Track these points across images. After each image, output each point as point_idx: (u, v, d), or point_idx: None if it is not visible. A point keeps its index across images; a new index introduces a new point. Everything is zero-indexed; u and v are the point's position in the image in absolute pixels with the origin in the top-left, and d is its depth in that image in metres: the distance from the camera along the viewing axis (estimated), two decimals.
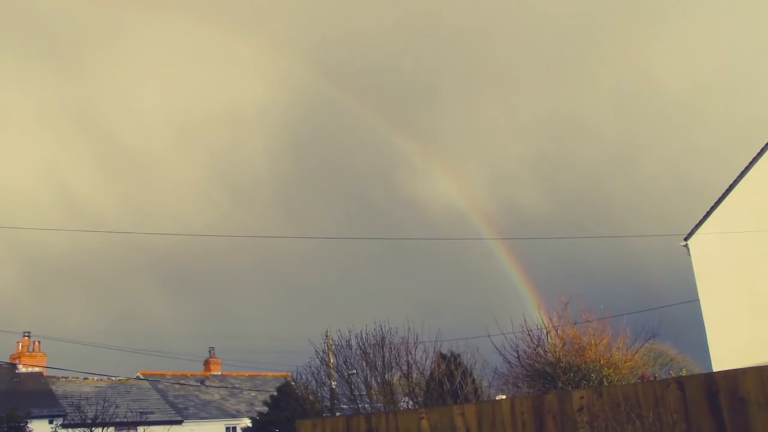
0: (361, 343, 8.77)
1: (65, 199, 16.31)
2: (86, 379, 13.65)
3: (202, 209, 17.05)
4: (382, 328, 8.75)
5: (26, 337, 12.71)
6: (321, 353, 9.74)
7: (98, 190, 16.55)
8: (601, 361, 7.50)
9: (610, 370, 7.46)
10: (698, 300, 10.24)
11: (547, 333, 8.23)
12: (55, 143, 16.84)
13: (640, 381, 6.79)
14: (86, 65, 17.01)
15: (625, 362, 7.49)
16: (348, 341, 8.99)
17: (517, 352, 8.20)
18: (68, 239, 13.83)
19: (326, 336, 10.07)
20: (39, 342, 12.92)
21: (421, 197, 17.24)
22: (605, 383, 7.12)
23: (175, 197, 17.40)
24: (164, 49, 16.91)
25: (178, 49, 16.93)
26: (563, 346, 7.90)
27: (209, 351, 14.68)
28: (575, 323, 8.05)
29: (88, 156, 16.96)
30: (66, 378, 13.42)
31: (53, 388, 12.77)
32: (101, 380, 13.58)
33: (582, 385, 7.24)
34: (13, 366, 12.92)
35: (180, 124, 17.63)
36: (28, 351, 12.93)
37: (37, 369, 12.94)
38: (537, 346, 8.15)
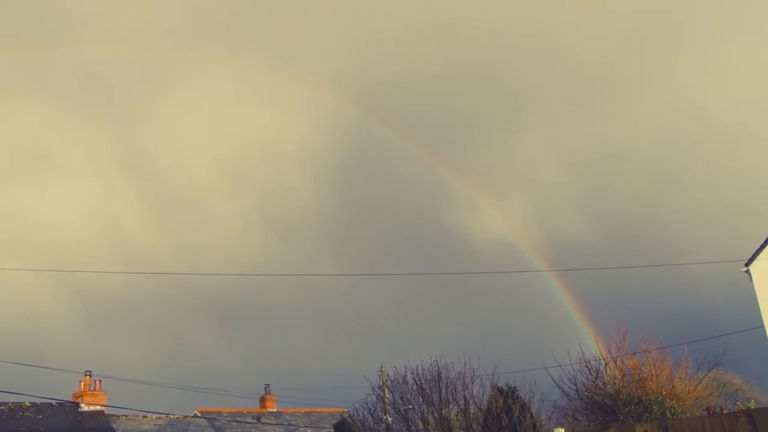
0: (417, 379, 8.79)
1: (119, 243, 16.72)
2: (146, 417, 13.85)
3: (252, 249, 17.30)
4: (437, 363, 8.76)
5: (88, 377, 12.99)
6: (376, 389, 9.77)
7: (151, 233, 16.94)
8: (664, 393, 7.37)
9: (673, 402, 7.32)
10: (763, 326, 10.01)
11: (605, 364, 8.13)
12: (108, 189, 17.34)
13: (706, 413, 6.66)
14: (137, 112, 17.54)
15: (688, 393, 7.35)
16: (404, 377, 9.01)
17: (576, 384, 8.11)
18: (123, 282, 14.15)
19: (381, 371, 10.10)
20: (100, 381, 13.19)
21: (468, 231, 17.24)
22: (668, 415, 7.00)
23: (225, 239, 17.70)
24: (212, 95, 17.35)
25: (225, 93, 17.37)
26: (623, 377, 7.79)
27: (265, 388, 14.81)
28: (634, 353, 7.94)
29: (140, 201, 17.41)
30: (126, 416, 13.64)
31: (114, 426, 13.00)
32: (160, 418, 13.79)
33: (644, 417, 7.12)
34: (76, 405, 13.19)
35: (228, 168, 18.01)
36: (89, 390, 13.19)
37: (98, 407, 13.18)
38: (596, 378, 8.06)
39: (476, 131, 17.56)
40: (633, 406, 7.39)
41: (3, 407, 11.79)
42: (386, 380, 9.68)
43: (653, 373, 7.57)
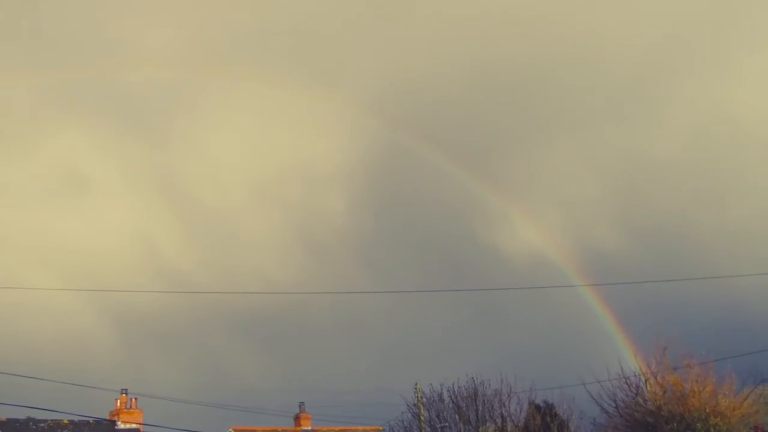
0: (453, 396, 8.71)
1: (154, 262, 16.88)
2: None
3: (288, 269, 17.34)
4: (474, 380, 8.67)
5: (124, 394, 13.08)
6: (412, 406, 9.68)
7: (187, 254, 17.07)
8: (707, 410, 7.18)
9: (718, 419, 7.12)
10: None
11: (645, 380, 7.96)
12: (142, 208, 17.55)
13: None
14: (174, 134, 17.78)
15: (733, 410, 7.14)
16: (440, 394, 8.93)
17: (615, 401, 7.97)
18: (161, 301, 14.25)
19: (416, 389, 10.00)
20: (136, 399, 13.27)
21: (503, 247, 17.09)
22: None
23: (261, 259, 17.76)
24: (248, 116, 17.52)
25: (261, 115, 17.51)
26: (664, 393, 7.62)
27: (299, 406, 14.75)
28: (675, 369, 7.76)
29: (174, 219, 17.59)
30: None
31: None
32: None
33: None
34: (113, 423, 13.28)
35: (261, 185, 18.12)
36: (126, 408, 13.28)
37: (134, 426, 13.26)
38: (636, 394, 7.90)
39: (509, 145, 17.45)
40: (675, 424, 7.22)
41: (42, 424, 11.93)
42: (421, 398, 9.59)
43: (696, 389, 7.39)
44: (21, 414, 9.67)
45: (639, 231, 17.56)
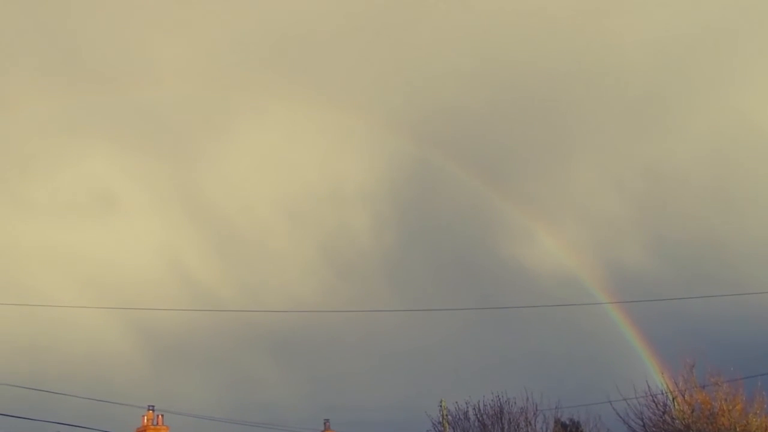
0: (478, 414, 8.69)
1: (183, 282, 17.04)
2: None
3: (312, 286, 17.41)
4: (499, 398, 8.66)
5: (150, 411, 13.19)
6: (437, 424, 9.67)
7: (213, 272, 17.22)
8: (737, 429, 7.10)
9: None
10: None
11: (673, 398, 7.90)
12: (169, 226, 17.73)
13: None
14: (199, 153, 17.98)
15: (765, 429, 7.06)
16: (465, 412, 8.92)
17: (642, 419, 7.91)
18: (187, 318, 14.38)
19: (441, 407, 9.97)
20: (162, 416, 13.38)
21: (526, 263, 17.04)
22: None
23: (285, 276, 17.86)
24: (271, 134, 17.69)
25: (279, 129, 17.68)
26: (692, 412, 7.55)
27: (324, 423, 14.76)
28: (703, 387, 7.69)
29: (203, 240, 17.76)
30: None
31: None
32: None
33: None
34: None
35: (285, 203, 18.25)
36: (153, 425, 13.38)
37: None
38: (663, 412, 7.84)
39: (531, 160, 17.47)
40: None
41: None
42: (446, 415, 9.57)
43: (725, 407, 7.31)
44: (48, 430, 9.80)
45: (665, 247, 17.41)
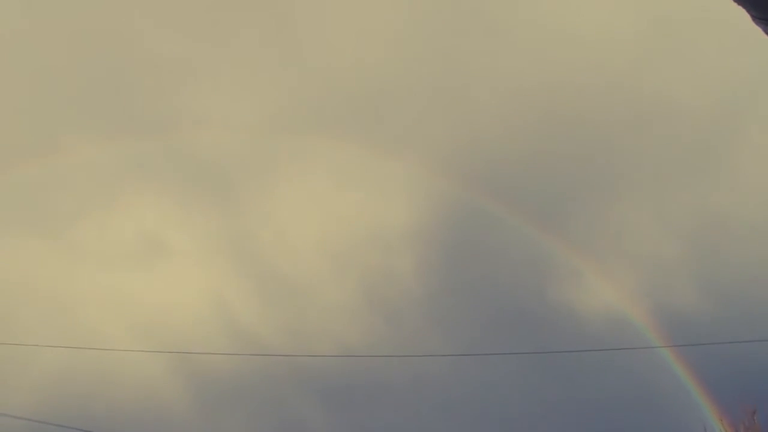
0: None
1: (230, 326, 17.16)
2: None
3: (358, 331, 17.39)
4: None
5: None
6: None
7: (260, 316, 17.33)
8: None
9: None
10: None
11: None
12: (219, 273, 17.91)
13: None
14: (243, 198, 18.26)
15: None
16: None
17: None
18: (233, 362, 14.45)
19: None
20: None
21: (575, 306, 16.79)
22: None
23: (331, 321, 17.89)
24: (315, 178, 17.90)
25: (328, 176, 17.88)
26: None
27: None
28: None
29: (249, 284, 17.90)
30: None
31: None
32: None
33: None
34: None
35: (333, 251, 18.35)
36: None
37: None
38: None
39: (578, 203, 17.34)
40: None
41: None
42: None
43: None
44: None
45: (718, 290, 17.02)
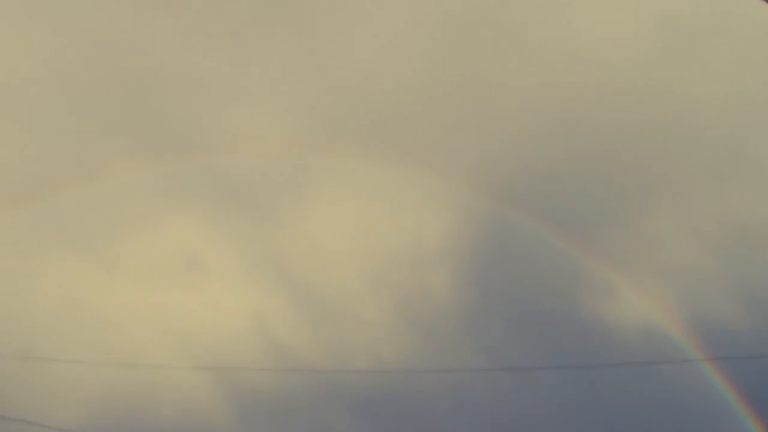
0: None
1: (268, 343, 17.32)
2: None
3: (395, 347, 17.45)
4: None
5: None
6: None
7: (297, 333, 17.46)
8: None
9: None
10: None
11: None
12: (255, 289, 18.08)
13: None
14: (279, 216, 18.45)
15: None
16: None
17: None
18: (271, 376, 14.63)
19: None
20: None
21: (610, 319, 16.72)
22: None
23: (368, 337, 17.97)
24: (350, 196, 18.07)
25: (359, 191, 18.05)
26: None
27: None
28: None
29: (284, 301, 18.05)
30: None
31: None
32: None
33: None
34: None
35: (367, 265, 18.46)
36: None
37: None
38: None
39: (611, 214, 17.33)
40: None
41: None
42: None
43: None
44: None
45: (755, 301, 16.86)
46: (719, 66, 18.00)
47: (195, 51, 17.97)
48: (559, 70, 17.80)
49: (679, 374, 14.86)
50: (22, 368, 14.17)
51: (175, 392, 14.25)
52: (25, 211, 16.76)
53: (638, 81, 17.47)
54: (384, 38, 18.00)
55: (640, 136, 17.42)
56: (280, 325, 17.37)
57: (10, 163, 16.86)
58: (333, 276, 18.16)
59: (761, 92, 17.08)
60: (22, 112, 17.40)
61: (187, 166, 16.84)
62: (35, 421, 13.01)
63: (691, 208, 17.73)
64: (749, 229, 17.29)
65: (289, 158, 17.47)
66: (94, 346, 15.26)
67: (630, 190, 17.62)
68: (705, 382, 14.71)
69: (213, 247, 17.51)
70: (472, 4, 18.08)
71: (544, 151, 17.36)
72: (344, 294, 17.96)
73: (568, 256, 16.56)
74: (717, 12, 17.68)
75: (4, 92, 17.17)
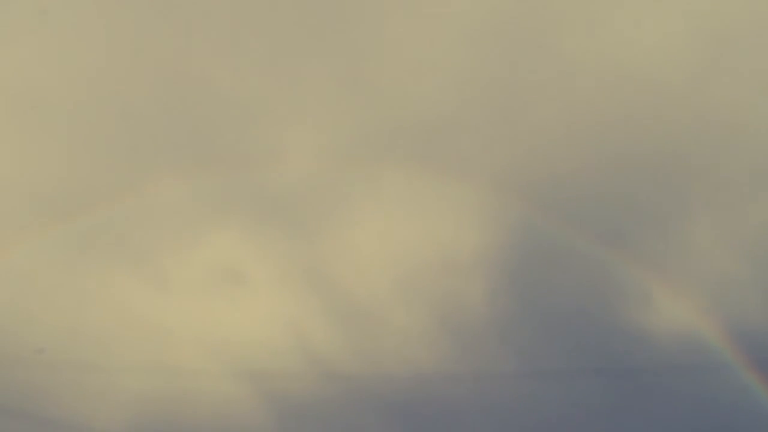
0: None
1: (307, 351, 17.63)
2: None
3: (429, 353, 17.61)
4: None
5: None
6: None
7: (336, 341, 17.74)
8: None
9: None
10: None
11: None
12: (295, 300, 18.41)
13: None
14: (318, 227, 18.79)
15: None
16: None
17: None
18: (310, 385, 14.95)
19: None
20: None
21: (647, 326, 16.65)
22: None
23: (405, 345, 18.16)
24: (386, 205, 18.32)
25: (395, 202, 18.30)
26: None
27: None
28: None
29: (323, 310, 18.34)
30: None
31: None
32: None
33: None
34: None
35: (403, 275, 18.67)
36: None
37: None
38: None
39: (647, 218, 17.26)
40: None
41: None
42: None
43: None
44: None
45: None
46: (758, 69, 17.86)
47: (236, 69, 18.49)
48: (592, 74, 17.84)
49: (716, 379, 14.76)
50: (74, 376, 14.75)
51: (215, 398, 14.69)
52: (74, 226, 17.43)
53: (675, 85, 17.40)
54: (416, 50, 18.27)
55: (676, 140, 17.35)
56: (317, 333, 17.70)
57: (60, 179, 17.57)
58: (369, 284, 18.43)
59: None
60: (71, 128, 18.09)
61: (227, 180, 17.34)
62: (86, 425, 13.56)
63: (729, 211, 17.57)
64: None
65: (325, 170, 17.84)
66: (140, 355, 15.82)
67: (665, 194, 17.53)
68: (743, 387, 14.58)
69: (253, 258, 17.94)
70: (502, 9, 18.24)
71: (577, 157, 17.41)
72: (380, 301, 18.23)
73: (602, 261, 16.57)
74: (760, 13, 17.57)
75: (54, 108, 17.90)
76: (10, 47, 17.41)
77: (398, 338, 17.86)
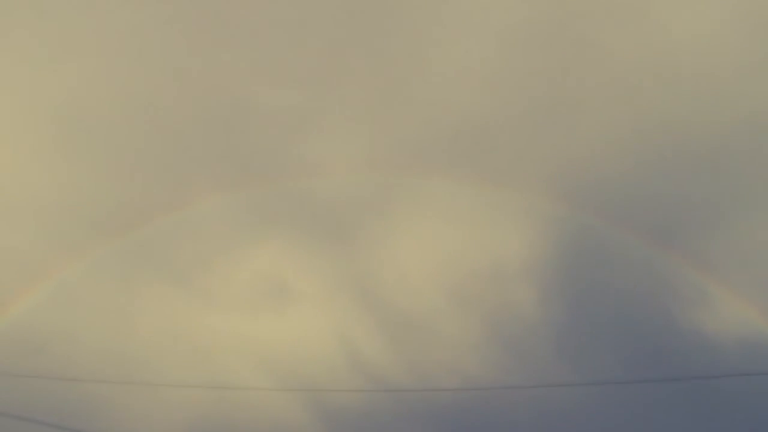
0: None
1: (355, 363, 17.48)
2: None
3: (481, 365, 17.31)
4: None
5: None
6: None
7: (383, 353, 17.56)
8: None
9: None
10: None
11: None
12: (341, 312, 18.30)
13: None
14: (363, 238, 18.68)
15: None
16: None
17: None
18: (359, 398, 14.76)
19: None
20: None
21: (705, 329, 16.14)
22: None
23: (454, 356, 17.89)
24: (431, 214, 18.14)
25: (439, 211, 18.11)
26: None
27: None
28: None
29: (371, 322, 18.19)
30: None
31: None
32: None
33: None
34: None
35: (452, 284, 18.42)
36: None
37: None
38: None
39: (706, 220, 16.78)
40: None
41: None
42: None
43: None
44: None
45: None
46: None
47: (277, 83, 18.53)
48: (648, 74, 17.46)
49: None
50: (123, 392, 14.75)
51: (264, 413, 14.57)
52: (120, 245, 17.56)
53: (733, 83, 16.94)
54: (460, 56, 18.11)
55: (736, 139, 16.87)
56: (366, 345, 17.51)
57: (105, 199, 17.73)
58: (418, 295, 18.20)
59: None
60: (115, 149, 18.28)
61: (270, 194, 17.32)
62: None
63: None
64: None
65: (371, 181, 17.72)
66: (187, 370, 15.79)
67: (726, 195, 17.04)
68: None
69: (299, 270, 17.85)
70: (552, 10, 17.98)
71: (626, 157, 17.03)
72: (429, 312, 17.98)
73: (661, 264, 16.14)
74: None
75: (99, 127, 18.12)
76: (57, 72, 17.70)
77: (449, 349, 17.58)
